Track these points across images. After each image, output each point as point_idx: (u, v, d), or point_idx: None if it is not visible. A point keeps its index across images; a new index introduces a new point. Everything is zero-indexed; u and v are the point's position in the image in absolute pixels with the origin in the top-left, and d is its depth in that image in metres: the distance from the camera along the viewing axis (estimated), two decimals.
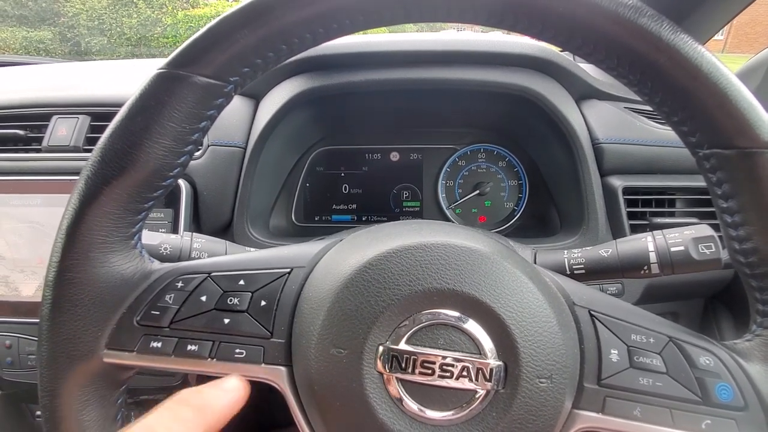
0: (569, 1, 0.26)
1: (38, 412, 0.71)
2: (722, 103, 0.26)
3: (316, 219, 0.80)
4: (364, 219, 0.80)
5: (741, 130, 0.26)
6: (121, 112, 0.28)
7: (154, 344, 0.29)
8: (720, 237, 0.33)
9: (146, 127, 0.28)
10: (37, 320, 0.61)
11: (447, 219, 0.78)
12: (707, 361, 0.28)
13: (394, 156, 0.79)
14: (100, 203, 0.28)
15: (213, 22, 0.28)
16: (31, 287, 0.60)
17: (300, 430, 0.30)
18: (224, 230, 0.65)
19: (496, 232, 0.75)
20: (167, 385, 0.62)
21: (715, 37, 0.75)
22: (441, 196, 0.78)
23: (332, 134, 0.78)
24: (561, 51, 0.71)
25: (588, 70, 0.67)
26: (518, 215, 0.77)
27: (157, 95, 0.28)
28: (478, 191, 0.77)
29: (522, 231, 0.76)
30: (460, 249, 0.28)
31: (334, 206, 0.80)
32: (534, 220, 0.76)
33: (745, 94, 0.26)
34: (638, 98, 0.71)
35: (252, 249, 0.45)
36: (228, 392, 0.27)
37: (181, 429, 0.24)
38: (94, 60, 0.98)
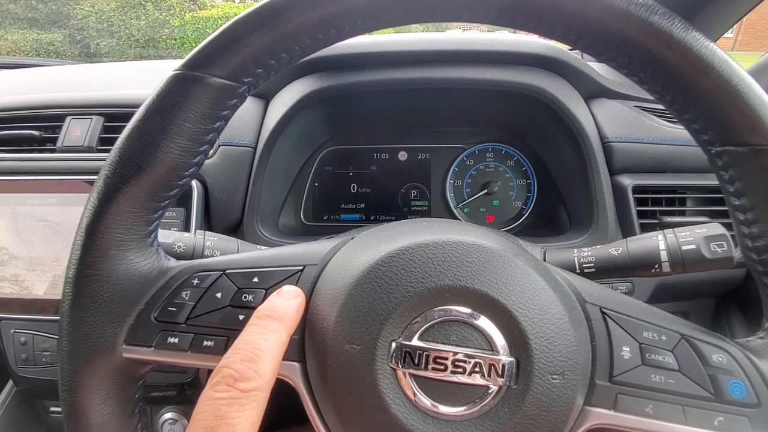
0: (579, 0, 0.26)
1: (52, 408, 0.72)
2: (734, 100, 0.25)
3: (324, 218, 0.80)
4: (372, 218, 0.80)
5: (753, 127, 0.26)
6: (139, 113, 0.29)
7: (171, 340, 0.30)
8: (732, 236, 0.33)
9: (163, 128, 0.28)
10: (52, 317, 0.63)
11: (455, 218, 0.78)
12: (720, 359, 0.28)
13: (402, 155, 0.80)
14: (118, 202, 0.28)
15: (227, 24, 0.28)
16: (45, 285, 0.61)
17: (313, 425, 0.30)
18: (234, 229, 0.65)
19: (505, 231, 0.75)
20: (178, 382, 0.63)
21: (725, 35, 0.74)
22: (449, 195, 0.78)
23: (341, 134, 0.78)
24: (570, 50, 0.70)
25: (597, 68, 0.67)
26: (527, 214, 0.77)
27: (173, 96, 0.28)
28: (486, 190, 0.77)
29: (530, 230, 0.76)
30: (472, 246, 0.29)
31: (342, 205, 0.80)
32: (542, 219, 0.76)
33: (758, 91, 0.26)
34: (648, 97, 0.70)
35: (263, 247, 0.45)
36: (294, 299, 0.30)
37: (273, 338, 0.27)
38: (104, 61, 0.99)
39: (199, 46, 0.28)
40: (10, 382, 0.70)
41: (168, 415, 0.68)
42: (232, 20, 0.28)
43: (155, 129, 0.28)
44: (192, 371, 0.61)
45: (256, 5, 0.28)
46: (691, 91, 0.27)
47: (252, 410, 0.24)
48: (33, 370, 0.63)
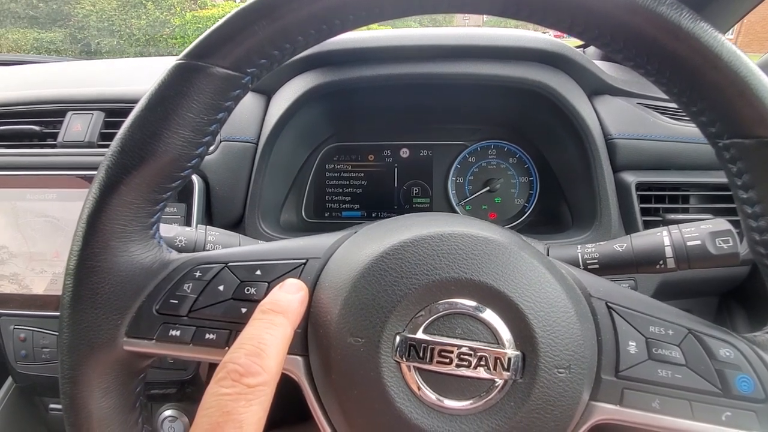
0: None
1: (51, 405, 0.72)
2: (742, 92, 0.25)
3: (326, 215, 0.80)
4: (374, 215, 0.80)
5: (761, 120, 0.25)
6: (141, 103, 0.28)
7: (173, 332, 0.30)
8: (738, 233, 0.33)
9: (165, 118, 0.28)
10: (52, 313, 0.62)
11: None
12: (727, 353, 0.28)
13: (404, 152, 0.79)
14: (120, 192, 0.28)
15: (230, 14, 0.28)
16: (46, 281, 0.61)
17: (316, 420, 0.30)
18: (236, 225, 0.65)
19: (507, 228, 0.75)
20: (178, 379, 0.62)
21: (726, 36, 0.74)
22: (451, 192, 0.78)
23: (343, 130, 0.78)
24: (578, 46, 0.70)
25: (600, 65, 0.67)
26: (529, 212, 0.77)
27: (176, 86, 0.28)
28: (488, 188, 0.76)
29: (533, 227, 0.75)
30: (477, 239, 0.28)
31: (344, 202, 0.80)
32: (545, 216, 0.76)
33: (766, 83, 0.25)
34: (651, 94, 0.70)
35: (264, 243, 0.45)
36: (297, 292, 0.30)
37: (278, 332, 0.27)
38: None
39: (203, 35, 0.28)
40: (9, 379, 0.70)
41: (168, 413, 0.67)
42: (235, 10, 0.28)
43: (158, 119, 0.28)
44: (192, 369, 0.61)
45: None
46: (699, 83, 0.26)
47: (258, 405, 0.24)
48: (32, 366, 0.63)
